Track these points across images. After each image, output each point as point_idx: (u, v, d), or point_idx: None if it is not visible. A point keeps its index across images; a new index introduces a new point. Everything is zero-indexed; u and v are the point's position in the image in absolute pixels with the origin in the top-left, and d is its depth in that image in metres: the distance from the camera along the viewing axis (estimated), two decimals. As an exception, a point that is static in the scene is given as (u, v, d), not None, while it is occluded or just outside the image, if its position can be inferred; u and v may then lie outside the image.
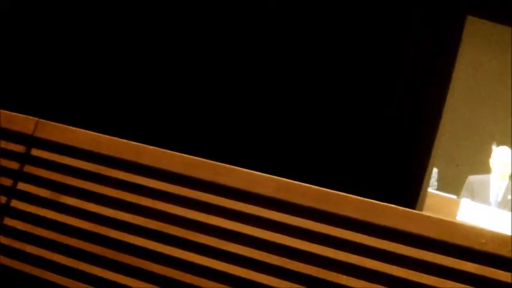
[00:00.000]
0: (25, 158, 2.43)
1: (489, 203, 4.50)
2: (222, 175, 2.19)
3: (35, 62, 2.80)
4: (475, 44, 5.32)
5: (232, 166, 2.21)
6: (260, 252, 2.10)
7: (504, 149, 4.75)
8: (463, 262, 1.93)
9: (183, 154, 2.26)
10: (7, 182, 2.42)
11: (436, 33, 2.53)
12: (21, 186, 2.40)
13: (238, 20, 2.60)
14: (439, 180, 5.00)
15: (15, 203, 2.39)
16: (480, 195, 4.62)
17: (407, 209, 2.05)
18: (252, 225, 2.13)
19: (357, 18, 2.56)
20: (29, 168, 2.41)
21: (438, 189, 4.90)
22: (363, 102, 2.49)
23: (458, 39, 2.58)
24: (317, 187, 2.11)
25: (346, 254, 2.03)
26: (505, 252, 1.89)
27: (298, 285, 2.04)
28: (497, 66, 5.96)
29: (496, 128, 5.73)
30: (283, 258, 2.07)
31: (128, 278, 2.19)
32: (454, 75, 2.62)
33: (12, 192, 2.40)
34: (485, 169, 4.86)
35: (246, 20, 2.59)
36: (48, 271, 2.28)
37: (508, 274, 1.88)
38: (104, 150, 2.33)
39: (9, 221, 2.38)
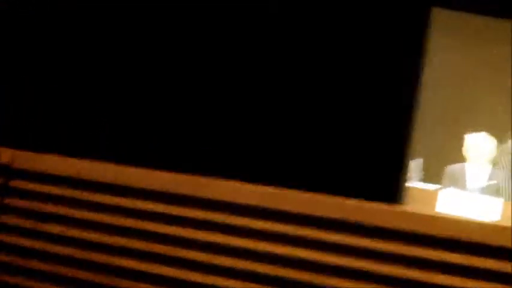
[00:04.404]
0: (4, 190, 2.42)
1: (467, 191, 4.54)
2: (205, 188, 2.19)
3: (7, 92, 2.79)
4: (447, 35, 5.39)
5: (214, 179, 2.21)
6: (249, 262, 2.11)
7: (475, 135, 4.78)
8: (449, 254, 1.95)
9: (162, 172, 2.26)
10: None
11: (402, 24, 2.55)
12: (3, 218, 2.40)
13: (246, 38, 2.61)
14: (423, 170, 5.06)
15: (-1, 236, 2.39)
16: (459, 184, 4.66)
17: (389, 206, 2.07)
18: (239, 236, 2.13)
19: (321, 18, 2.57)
20: (9, 200, 2.40)
21: (424, 180, 4.96)
22: (334, 100, 2.50)
23: (426, 31, 2.60)
24: (300, 192, 2.13)
25: (333, 255, 2.04)
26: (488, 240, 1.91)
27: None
28: (474, 55, 6.02)
29: (479, 117, 5.78)
30: (273, 266, 2.08)
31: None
32: (426, 71, 2.63)
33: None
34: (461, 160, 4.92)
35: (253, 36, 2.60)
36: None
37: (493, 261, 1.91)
38: (83, 175, 2.32)
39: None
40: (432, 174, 5.14)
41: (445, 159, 5.25)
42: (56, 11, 2.74)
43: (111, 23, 2.70)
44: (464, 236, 1.92)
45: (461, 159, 4.98)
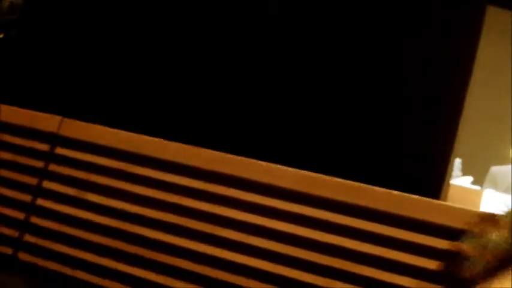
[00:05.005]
0: (50, 157, 2.45)
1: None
2: (243, 169, 2.20)
3: (57, 62, 2.83)
4: (496, 34, 5.30)
5: (252, 159, 2.22)
6: (283, 245, 2.11)
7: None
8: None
9: (205, 149, 2.27)
10: (32, 180, 2.45)
11: (455, 24, 2.52)
12: (47, 184, 2.43)
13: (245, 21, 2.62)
14: (462, 170, 4.97)
15: (41, 202, 2.42)
16: (503, 186, 4.58)
17: (429, 199, 2.05)
18: (274, 219, 2.14)
19: (373, 12, 2.56)
20: (54, 167, 2.44)
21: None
22: (383, 94, 2.48)
23: (478, 30, 2.57)
24: (338, 179, 2.12)
25: (368, 245, 2.04)
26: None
27: (321, 277, 2.05)
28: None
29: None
30: (307, 251, 2.08)
31: (153, 274, 2.22)
32: (475, 66, 2.60)
33: (38, 191, 2.43)
34: (508, 159, 4.81)
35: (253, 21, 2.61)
36: (74, 268, 2.31)
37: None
38: (127, 147, 2.35)
39: (35, 220, 2.40)
40: (470, 175, 5.08)
41: (484, 159, 5.19)
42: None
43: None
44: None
45: (500, 160, 4.91)
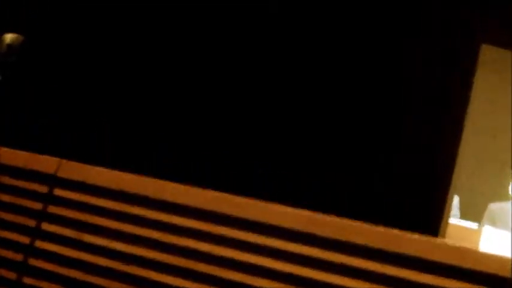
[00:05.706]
0: (48, 198, 2.45)
1: (511, 231, 4.44)
2: (243, 209, 2.20)
3: (55, 103, 2.85)
4: (492, 71, 5.34)
5: (251, 199, 2.22)
6: (283, 285, 2.10)
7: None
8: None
9: (204, 189, 2.28)
10: (31, 222, 2.44)
11: (451, 61, 2.55)
12: (45, 226, 2.43)
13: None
14: (460, 208, 4.97)
15: (40, 243, 2.41)
16: (502, 223, 4.58)
17: (430, 238, 2.05)
18: (273, 258, 2.13)
19: (367, 50, 2.58)
20: (53, 209, 2.44)
21: (460, 217, 4.86)
22: (379, 132, 2.50)
23: (473, 67, 2.60)
24: (337, 218, 2.12)
25: (368, 283, 2.03)
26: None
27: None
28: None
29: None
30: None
31: (153, 315, 2.20)
32: (471, 104, 2.63)
33: (37, 233, 2.42)
34: (506, 196, 4.82)
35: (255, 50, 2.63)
36: (73, 310, 2.30)
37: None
38: (127, 188, 2.35)
39: (34, 262, 2.39)
40: (468, 212, 5.07)
41: (481, 197, 5.19)
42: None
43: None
44: (506, 273, 1.90)
45: (497, 197, 4.91)
